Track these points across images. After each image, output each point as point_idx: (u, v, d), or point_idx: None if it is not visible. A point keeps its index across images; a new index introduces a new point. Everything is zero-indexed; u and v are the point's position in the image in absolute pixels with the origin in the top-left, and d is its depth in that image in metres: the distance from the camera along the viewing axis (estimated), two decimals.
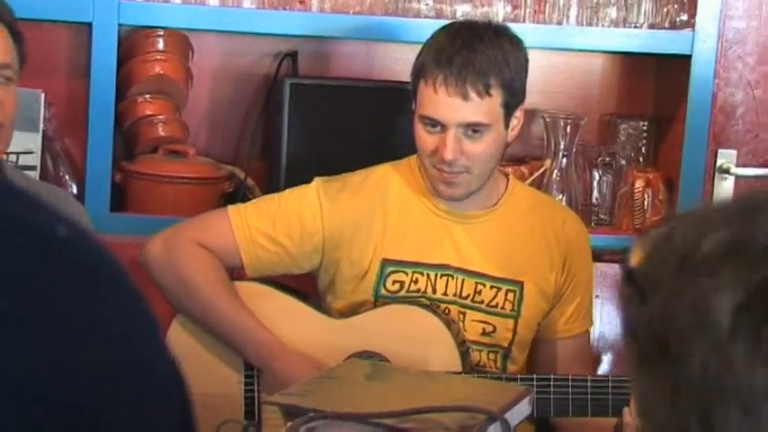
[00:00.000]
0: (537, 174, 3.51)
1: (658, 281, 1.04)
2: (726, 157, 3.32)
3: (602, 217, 3.70)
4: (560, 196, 3.60)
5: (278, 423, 2.42)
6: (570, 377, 2.84)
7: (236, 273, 2.98)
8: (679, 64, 3.58)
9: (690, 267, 1.01)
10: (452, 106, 2.81)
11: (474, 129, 2.82)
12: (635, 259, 1.10)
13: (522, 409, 2.57)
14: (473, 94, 2.80)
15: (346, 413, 2.38)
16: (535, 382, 2.79)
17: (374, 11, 3.44)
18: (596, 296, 3.46)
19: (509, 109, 2.87)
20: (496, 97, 2.84)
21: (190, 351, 2.89)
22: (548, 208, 3.20)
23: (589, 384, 2.82)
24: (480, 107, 2.82)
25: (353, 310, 2.96)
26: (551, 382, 2.81)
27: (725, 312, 0.97)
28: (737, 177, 3.39)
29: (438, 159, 2.86)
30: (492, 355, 3.00)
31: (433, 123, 2.84)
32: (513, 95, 2.88)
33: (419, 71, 2.85)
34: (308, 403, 2.42)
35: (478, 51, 2.83)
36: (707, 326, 0.98)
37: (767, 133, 3.81)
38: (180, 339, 2.91)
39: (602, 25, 3.56)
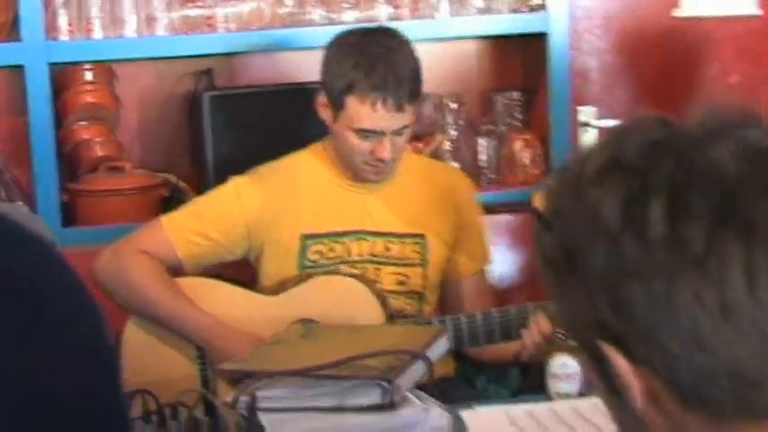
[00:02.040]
0: (432, 147, 3.53)
1: (559, 207, 1.04)
2: (586, 114, 3.36)
3: (491, 176, 3.72)
4: (454, 163, 3.61)
5: (229, 390, 2.44)
6: (478, 313, 2.87)
7: (179, 271, 2.96)
8: (539, 41, 3.62)
9: (580, 187, 1.02)
10: (390, 119, 2.83)
11: (403, 129, 2.87)
12: (538, 202, 1.11)
13: (441, 346, 2.62)
14: (407, 106, 2.84)
15: (287, 370, 2.39)
16: (448, 322, 2.84)
17: (274, 24, 3.44)
18: (494, 243, 3.47)
19: (417, 101, 2.93)
20: (416, 99, 2.91)
21: (147, 345, 2.90)
22: (437, 170, 3.23)
23: (495, 316, 2.86)
24: (409, 112, 2.86)
25: (283, 285, 2.96)
26: (462, 319, 2.86)
27: (614, 211, 0.97)
28: (598, 129, 3.47)
29: (372, 159, 2.89)
30: (409, 301, 3.02)
31: (370, 134, 2.85)
32: (420, 90, 2.93)
33: (348, 88, 2.82)
34: (252, 367, 2.45)
35: (400, 65, 2.84)
36: (602, 226, 0.98)
37: (618, 90, 3.89)
38: (136, 337, 2.90)
39: (471, 14, 3.56)
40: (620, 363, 0.98)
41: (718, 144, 0.99)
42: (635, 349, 0.97)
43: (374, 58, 2.82)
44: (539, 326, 2.75)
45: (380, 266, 3.01)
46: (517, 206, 3.65)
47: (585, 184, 1.01)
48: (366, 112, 2.82)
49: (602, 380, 1.04)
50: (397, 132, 2.86)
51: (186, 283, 2.94)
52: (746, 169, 0.97)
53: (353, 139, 2.87)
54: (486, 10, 3.59)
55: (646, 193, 0.97)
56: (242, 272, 3.10)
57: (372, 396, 2.34)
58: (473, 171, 3.67)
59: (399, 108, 2.83)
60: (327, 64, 2.90)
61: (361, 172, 2.95)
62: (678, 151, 0.99)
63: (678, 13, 3.76)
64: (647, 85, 3.96)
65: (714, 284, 0.93)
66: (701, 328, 0.94)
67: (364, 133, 2.85)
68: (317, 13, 3.46)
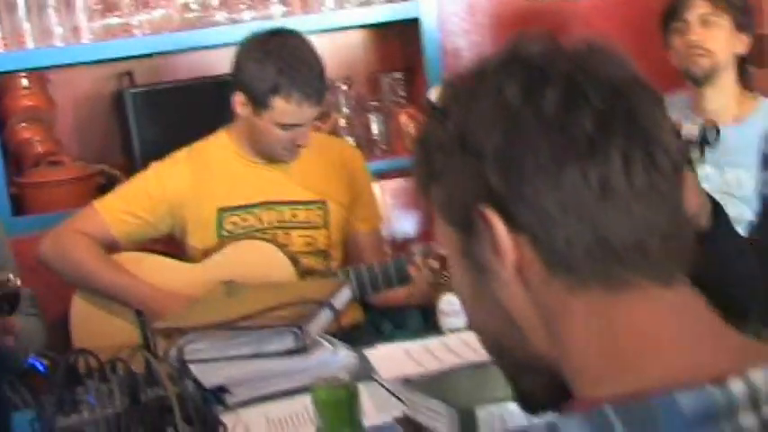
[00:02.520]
0: (329, 125, 3.53)
1: (458, 95, 1.00)
2: None
3: (383, 147, 3.73)
4: (349, 138, 3.63)
5: (164, 345, 2.42)
6: (375, 263, 2.91)
7: (115, 248, 2.96)
8: (413, 26, 3.60)
9: (483, 76, 0.99)
10: (310, 112, 2.87)
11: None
12: (434, 96, 1.06)
13: (345, 294, 2.67)
14: (322, 99, 2.89)
15: (210, 324, 2.40)
16: (351, 273, 2.87)
17: (183, 27, 3.40)
18: (388, 204, 3.57)
19: None
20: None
21: (92, 314, 2.92)
22: (332, 145, 3.26)
23: (389, 264, 2.89)
24: (323, 102, 2.92)
25: (206, 253, 2.97)
26: (363, 269, 2.89)
27: (516, 92, 0.95)
28: None
29: (293, 145, 2.91)
30: (317, 259, 3.04)
31: (293, 126, 2.86)
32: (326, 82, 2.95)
33: (274, 90, 2.81)
34: (180, 323, 2.46)
35: (314, 64, 2.86)
36: (503, 105, 0.95)
37: None
38: (82, 308, 2.92)
39: (352, 6, 3.55)
40: (501, 229, 0.96)
41: (601, 54, 0.99)
42: (518, 215, 0.95)
43: (294, 61, 2.83)
44: (425, 262, 2.77)
45: (290, 231, 3.02)
46: (406, 171, 3.61)
47: (488, 73, 0.99)
48: (292, 109, 2.83)
49: (466, 259, 1.01)
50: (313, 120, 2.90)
51: (123, 257, 2.94)
52: (630, 76, 0.98)
53: (277, 132, 2.88)
54: (366, 2, 3.57)
55: (545, 80, 0.96)
56: (171, 246, 3.10)
57: (286, 342, 2.35)
58: (366, 143, 3.69)
59: (318, 102, 2.88)
60: (245, 67, 2.87)
61: (280, 156, 2.96)
62: (571, 54, 0.99)
63: None
64: None
65: (598, 165, 0.93)
66: (583, 201, 0.94)
67: (288, 126, 2.86)
68: (219, 15, 3.42)
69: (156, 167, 3.00)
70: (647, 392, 0.86)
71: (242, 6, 3.45)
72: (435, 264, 2.74)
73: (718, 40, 3.17)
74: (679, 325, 0.95)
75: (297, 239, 3.03)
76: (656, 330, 0.94)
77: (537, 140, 0.94)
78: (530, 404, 1.06)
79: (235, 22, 3.42)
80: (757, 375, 0.88)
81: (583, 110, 0.95)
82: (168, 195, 2.96)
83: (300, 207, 3.04)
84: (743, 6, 3.20)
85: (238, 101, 2.89)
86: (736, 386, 0.87)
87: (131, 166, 3.31)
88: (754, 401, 0.87)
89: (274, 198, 3.01)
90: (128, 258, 2.94)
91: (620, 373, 0.92)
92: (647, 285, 0.94)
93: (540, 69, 0.97)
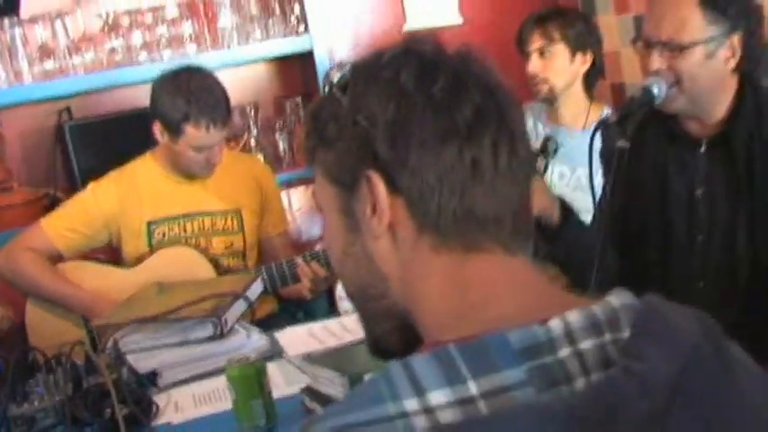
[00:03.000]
0: (242, 144, 3.56)
1: (356, 76, 1.00)
2: None
3: (288, 161, 3.71)
4: (259, 155, 3.63)
5: (105, 339, 2.38)
6: (283, 260, 2.89)
7: (61, 258, 2.94)
8: (308, 57, 3.58)
9: (380, 63, 0.99)
10: (218, 135, 2.85)
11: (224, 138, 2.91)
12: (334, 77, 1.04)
13: (257, 287, 2.67)
14: (227, 122, 2.87)
15: (140, 318, 2.39)
16: (263, 270, 2.86)
17: (110, 67, 3.39)
18: (295, 209, 3.59)
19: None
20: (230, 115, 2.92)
21: (44, 319, 2.89)
22: (244, 161, 3.24)
23: (296, 260, 2.84)
24: (228, 125, 2.89)
25: (139, 259, 2.95)
26: (272, 266, 2.88)
27: (410, 76, 0.96)
28: None
29: (207, 163, 2.90)
30: (235, 260, 3.05)
31: (205, 148, 2.85)
32: (231, 108, 2.92)
33: (185, 119, 2.80)
34: (118, 319, 2.43)
35: (218, 94, 2.84)
36: (398, 85, 0.96)
37: None
38: (35, 313, 2.91)
39: (256, 42, 3.54)
40: (382, 190, 0.96)
41: (477, 60, 0.99)
42: (400, 180, 0.96)
43: (200, 93, 2.81)
44: (311, 267, 2.77)
45: (210, 237, 3.01)
46: (309, 181, 3.64)
47: (386, 60, 0.99)
48: (201, 134, 2.81)
49: (344, 215, 1.02)
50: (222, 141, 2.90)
51: (68, 266, 2.93)
52: (499, 81, 0.99)
53: (192, 154, 2.87)
54: (267, 38, 3.55)
55: (436, 71, 0.97)
56: (110, 254, 3.09)
57: (207, 330, 2.36)
58: (273, 158, 3.69)
59: (224, 126, 2.85)
60: (160, 100, 2.85)
61: (197, 173, 2.95)
62: (456, 55, 0.99)
63: (406, 27, 3.90)
64: None
65: (472, 148, 0.95)
66: (457, 176, 0.95)
67: (200, 148, 2.85)
68: (142, 55, 3.42)
69: (91, 187, 2.98)
70: (484, 333, 0.87)
71: (161, 46, 3.45)
72: (319, 269, 2.76)
73: (554, 69, 3.16)
74: (517, 284, 0.97)
75: (217, 244, 3.02)
76: (498, 286, 0.96)
77: (424, 119, 0.95)
78: (382, 349, 1.06)
79: (154, 60, 3.41)
80: (573, 316, 0.89)
81: (465, 101, 0.96)
82: (103, 211, 2.94)
83: (218, 216, 3.03)
84: (580, 31, 3.18)
85: (157, 129, 2.88)
86: (556, 325, 0.88)
87: (73, 188, 3.29)
88: (570, 337, 0.88)
89: (195, 210, 3.00)
90: (72, 266, 2.93)
91: (464, 321, 0.93)
92: (497, 251, 0.97)
93: (432, 62, 0.98)
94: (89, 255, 3.04)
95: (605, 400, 0.84)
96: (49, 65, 3.38)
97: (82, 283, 2.88)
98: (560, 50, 3.15)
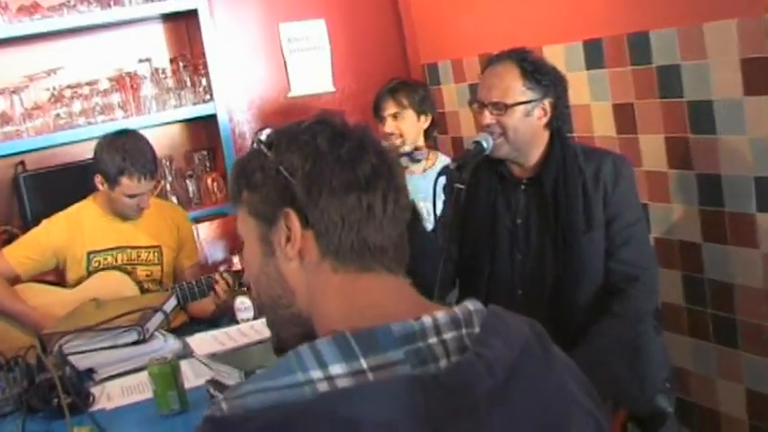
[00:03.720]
0: (158, 189, 3.47)
1: (280, 137, 1.02)
2: None
3: (197, 202, 3.66)
4: (173, 197, 3.59)
5: (51, 345, 2.35)
6: (193, 281, 2.85)
7: (18, 280, 2.90)
8: (213, 120, 3.55)
9: (300, 129, 1.01)
10: (148, 185, 2.83)
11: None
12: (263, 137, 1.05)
13: (172, 302, 2.69)
14: (156, 175, 2.86)
15: (82, 327, 2.38)
16: (177, 288, 2.82)
17: (56, 129, 3.35)
18: (204, 241, 3.53)
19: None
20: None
21: (4, 330, 2.83)
22: (164, 205, 3.19)
23: (202, 280, 2.83)
24: (156, 177, 2.87)
25: (79, 281, 2.91)
26: (184, 285, 2.84)
27: (324, 139, 0.99)
28: None
29: (138, 208, 2.87)
30: (155, 285, 3.00)
31: (137, 196, 2.82)
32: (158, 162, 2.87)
33: (120, 173, 2.77)
34: (61, 328, 2.43)
35: (147, 152, 2.83)
36: (314, 146, 0.98)
37: None
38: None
39: (171, 108, 3.50)
40: (296, 224, 0.98)
41: (371, 131, 1.04)
42: (311, 217, 0.98)
43: (134, 152, 2.80)
44: (225, 280, 2.80)
45: (136, 266, 2.98)
46: (215, 216, 3.66)
47: (304, 127, 1.01)
48: (135, 185, 2.80)
49: (262, 243, 1.02)
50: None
51: (23, 286, 2.90)
52: (384, 147, 1.04)
53: (126, 200, 2.85)
54: (179, 105, 3.51)
55: (343, 136, 1.00)
56: (57, 276, 3.05)
57: (133, 336, 2.37)
58: (185, 200, 3.65)
59: (152, 178, 2.84)
60: (101, 157, 2.83)
61: (129, 215, 2.93)
62: (358, 128, 1.03)
63: (290, 94, 3.89)
64: None
65: (367, 195, 0.98)
66: (354, 216, 0.98)
67: (133, 196, 2.84)
68: (81, 120, 3.39)
69: (44, 224, 2.96)
70: (372, 327, 0.91)
71: (96, 113, 3.42)
72: (229, 279, 2.78)
73: (406, 128, 3.20)
74: (397, 295, 1.01)
75: (141, 273, 2.97)
76: (382, 296, 0.99)
77: (334, 173, 0.98)
78: (285, 350, 0.99)
79: (91, 124, 3.37)
80: (439, 314, 0.94)
81: (365, 161, 0.99)
82: (52, 243, 2.91)
83: (143, 250, 2.99)
84: (422, 97, 3.23)
85: (98, 180, 2.86)
86: (426, 320, 0.93)
87: (27, 226, 3.23)
88: (437, 329, 0.93)
89: (125, 244, 2.97)
90: (26, 287, 2.90)
91: (355, 321, 0.94)
92: (382, 272, 1.01)
93: (341, 131, 1.01)
94: (39, 278, 3.00)
95: (463, 375, 0.89)
96: (8, 129, 3.34)
97: (33, 300, 2.85)
98: (410, 114, 3.20)
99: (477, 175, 2.36)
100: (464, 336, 0.94)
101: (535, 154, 2.30)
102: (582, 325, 2.21)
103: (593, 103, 3.02)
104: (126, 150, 2.81)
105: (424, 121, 3.25)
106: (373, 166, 0.99)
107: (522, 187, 2.33)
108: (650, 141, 2.80)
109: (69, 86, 3.45)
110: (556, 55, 3.09)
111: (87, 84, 3.46)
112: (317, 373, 0.86)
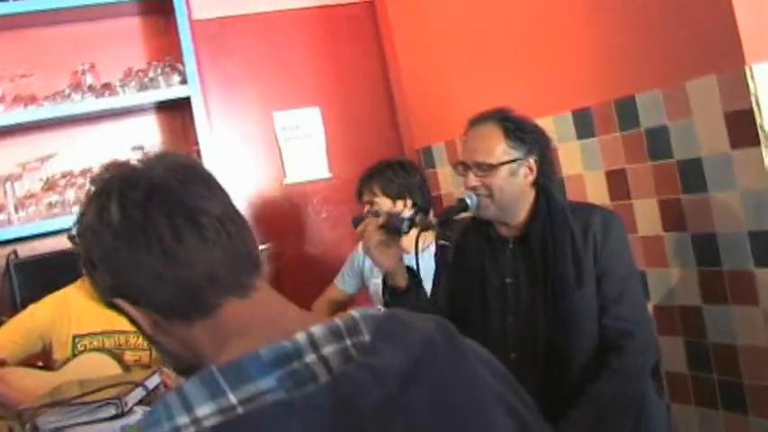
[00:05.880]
0: None
1: (79, 232, 0.99)
2: None
3: None
4: None
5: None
6: None
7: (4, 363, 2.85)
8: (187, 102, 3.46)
9: (88, 209, 0.97)
10: None
11: None
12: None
13: (155, 380, 2.56)
14: None
15: (58, 399, 2.32)
16: (161, 366, 2.67)
17: (47, 218, 3.35)
18: None
19: None
20: None
21: None
22: None
23: None
24: None
25: (66, 363, 2.87)
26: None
27: (116, 213, 0.94)
28: None
29: None
30: (141, 371, 2.73)
31: None
32: None
33: None
34: (35, 404, 2.36)
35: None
36: (106, 222, 0.94)
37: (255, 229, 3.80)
38: None
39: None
40: (129, 308, 0.96)
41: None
42: (131, 296, 0.95)
43: None
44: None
45: (124, 351, 2.96)
46: None
47: (94, 196, 0.97)
48: None
49: (129, 321, 1.00)
50: None
51: (8, 370, 2.86)
52: (170, 178, 0.97)
53: None
54: (157, 86, 3.44)
55: (112, 200, 0.95)
56: (44, 360, 3.02)
57: (111, 411, 2.31)
58: None
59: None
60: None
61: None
62: (151, 185, 0.96)
63: (286, 181, 3.92)
64: (269, 227, 3.87)
65: (157, 245, 0.92)
66: (157, 269, 0.93)
67: None
68: (74, 208, 3.38)
69: (31, 308, 2.96)
70: (241, 356, 0.87)
71: (74, 208, 3.39)
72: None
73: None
74: (260, 317, 0.95)
75: (129, 358, 2.95)
76: (245, 324, 0.94)
77: (117, 252, 0.95)
78: None
79: (71, 214, 3.32)
80: (315, 328, 0.89)
81: (156, 220, 0.93)
82: (38, 325, 2.91)
83: (131, 335, 2.96)
84: (400, 184, 3.15)
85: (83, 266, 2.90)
86: (300, 337, 0.88)
87: (15, 311, 3.21)
88: (314, 345, 0.88)
89: (113, 329, 2.95)
90: (11, 370, 2.86)
91: (225, 354, 0.92)
92: (230, 301, 0.95)
93: (123, 193, 0.96)
94: (27, 361, 2.98)
95: (341, 390, 0.84)
96: (0, 217, 3.40)
97: (17, 383, 2.82)
98: (383, 201, 3.17)
99: (465, 239, 2.37)
100: (349, 347, 0.89)
101: (522, 213, 2.30)
102: (579, 386, 2.15)
103: (586, 172, 3.02)
104: None
105: (403, 207, 3.18)
106: (167, 221, 0.93)
107: (510, 246, 2.32)
108: (644, 206, 2.79)
109: (63, 174, 3.50)
110: (546, 127, 3.10)
111: (80, 173, 3.51)
112: (183, 419, 0.83)
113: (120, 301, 0.96)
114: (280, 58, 3.96)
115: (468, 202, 2.27)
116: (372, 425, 0.83)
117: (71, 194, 3.49)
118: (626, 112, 2.79)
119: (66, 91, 3.48)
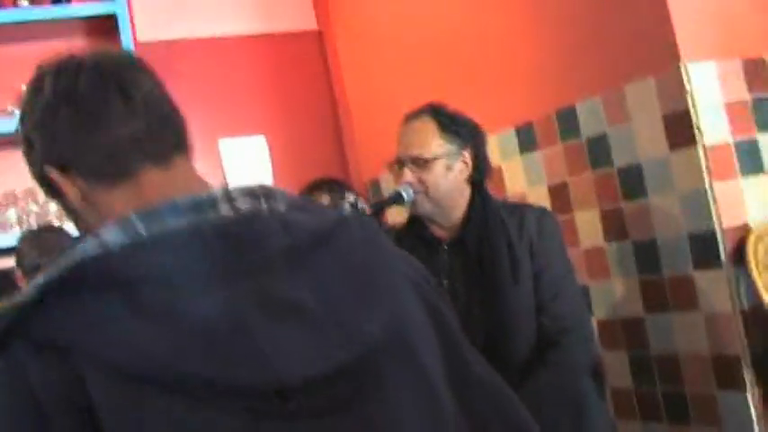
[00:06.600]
0: None
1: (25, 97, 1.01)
2: None
3: None
4: None
5: None
6: None
7: None
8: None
9: (31, 83, 1.00)
10: None
11: None
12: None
13: None
14: None
15: None
16: None
17: None
18: None
19: None
20: None
21: None
22: None
23: None
24: None
25: None
26: None
27: (50, 88, 0.96)
28: None
29: None
30: None
31: None
32: None
33: (35, 268, 2.63)
34: None
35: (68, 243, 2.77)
36: (43, 98, 0.97)
37: None
38: None
39: None
40: (58, 178, 0.97)
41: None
42: (62, 161, 0.96)
43: (52, 250, 2.75)
44: None
45: None
46: None
47: (30, 84, 1.00)
48: None
49: (55, 197, 1.01)
50: None
51: None
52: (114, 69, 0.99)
53: None
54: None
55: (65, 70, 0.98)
56: None
57: None
58: None
59: None
60: (21, 254, 2.80)
61: None
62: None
63: None
64: None
65: (85, 110, 0.95)
66: (86, 130, 0.95)
67: None
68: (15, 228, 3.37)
69: None
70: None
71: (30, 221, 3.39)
72: None
73: None
74: (179, 186, 0.96)
75: None
76: (163, 192, 0.95)
77: (50, 117, 0.97)
78: None
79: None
80: (233, 188, 0.93)
81: (68, 78, 0.97)
82: None
83: None
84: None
85: (18, 277, 2.82)
86: (217, 191, 0.92)
87: None
88: (229, 198, 0.91)
89: None
90: None
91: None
92: (150, 169, 0.97)
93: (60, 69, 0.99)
94: None
95: (251, 226, 0.87)
96: None
97: None
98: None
99: (400, 243, 2.33)
100: (264, 209, 0.91)
101: (457, 211, 2.29)
102: (518, 383, 2.10)
103: (529, 188, 3.00)
104: (42, 248, 2.74)
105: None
106: (76, 77, 0.97)
107: (446, 248, 2.30)
108: (585, 217, 2.77)
109: (5, 195, 3.44)
110: (490, 145, 3.09)
111: (24, 192, 3.45)
112: (95, 250, 0.85)
113: (51, 171, 0.97)
114: (226, 84, 3.95)
115: (404, 195, 2.25)
116: (280, 268, 0.86)
117: (12, 214, 3.43)
118: (567, 122, 2.79)
119: (10, 109, 3.41)
